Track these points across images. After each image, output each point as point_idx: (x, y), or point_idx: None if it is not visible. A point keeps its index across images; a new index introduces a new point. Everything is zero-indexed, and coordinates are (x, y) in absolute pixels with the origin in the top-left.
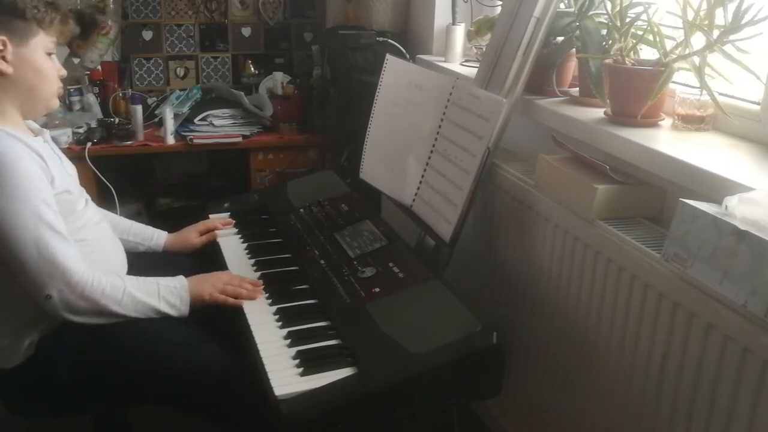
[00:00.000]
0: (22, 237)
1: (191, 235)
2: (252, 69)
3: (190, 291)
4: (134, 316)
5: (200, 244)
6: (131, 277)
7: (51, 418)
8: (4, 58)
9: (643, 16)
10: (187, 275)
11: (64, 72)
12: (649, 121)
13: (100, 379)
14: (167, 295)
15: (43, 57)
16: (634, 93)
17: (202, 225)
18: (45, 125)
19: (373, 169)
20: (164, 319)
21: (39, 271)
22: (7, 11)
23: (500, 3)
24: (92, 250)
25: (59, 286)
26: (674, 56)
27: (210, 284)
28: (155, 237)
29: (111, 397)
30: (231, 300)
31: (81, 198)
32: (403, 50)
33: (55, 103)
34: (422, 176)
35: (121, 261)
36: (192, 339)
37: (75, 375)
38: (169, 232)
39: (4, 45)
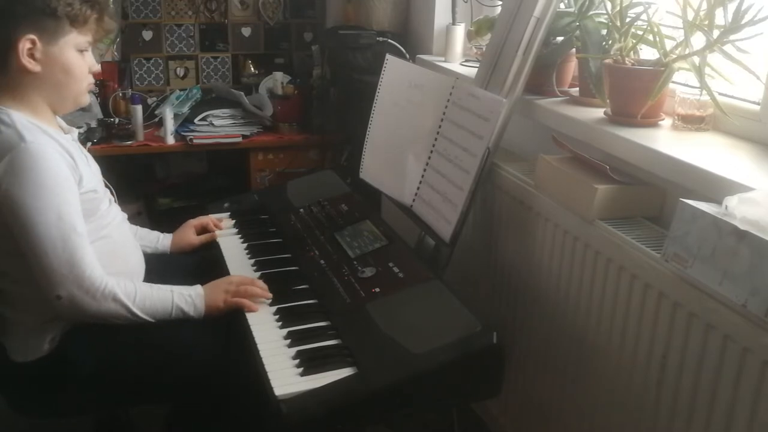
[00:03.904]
0: (42, 234)
1: (189, 235)
2: (252, 69)
3: (206, 299)
4: (144, 321)
5: (199, 243)
6: (145, 283)
7: (66, 416)
8: (33, 57)
9: (643, 16)
10: (187, 276)
11: (97, 67)
12: (649, 121)
13: (119, 375)
14: (181, 303)
15: (73, 55)
16: (634, 93)
17: (197, 222)
18: None
19: (373, 169)
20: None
21: (53, 271)
22: (39, 9)
23: (500, 3)
24: (114, 249)
25: (70, 288)
26: (674, 56)
27: (223, 290)
28: (160, 240)
29: (127, 395)
30: (248, 303)
31: (105, 197)
32: (403, 50)
33: (85, 100)
34: (422, 176)
35: (140, 261)
36: (205, 337)
37: (94, 371)
38: (169, 232)
39: (33, 44)
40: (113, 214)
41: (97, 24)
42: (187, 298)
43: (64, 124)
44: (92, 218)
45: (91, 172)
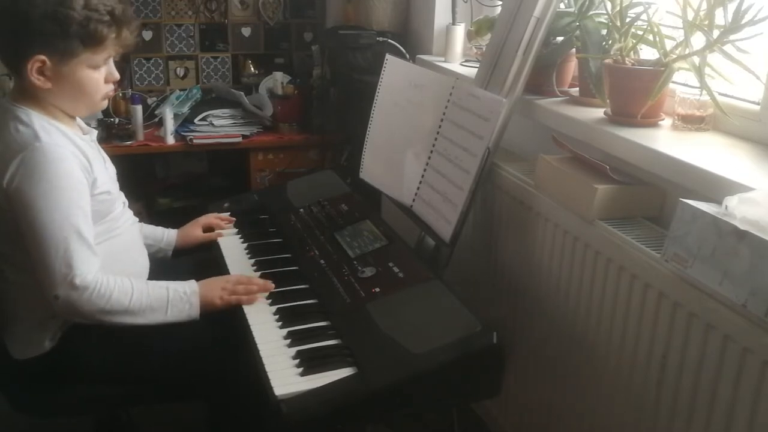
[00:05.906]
0: (46, 234)
1: (195, 230)
2: (252, 69)
3: (201, 296)
4: (140, 323)
5: (203, 240)
6: (143, 281)
7: (66, 416)
8: (42, 74)
9: (643, 16)
10: (187, 277)
11: (116, 76)
12: (649, 121)
13: (119, 373)
14: (176, 301)
15: (85, 73)
16: (634, 93)
17: (204, 219)
18: None
19: (373, 169)
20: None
21: (53, 271)
22: (50, 30)
23: (500, 3)
24: (123, 251)
25: (67, 289)
26: (674, 56)
27: (220, 288)
28: (165, 236)
29: (127, 393)
30: (245, 298)
31: (119, 200)
32: (403, 50)
33: (101, 106)
34: (422, 176)
35: (145, 264)
36: (205, 337)
37: (94, 369)
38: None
39: (43, 63)
40: (126, 216)
41: (116, 41)
42: (182, 295)
43: (83, 124)
44: (104, 219)
45: (107, 174)
